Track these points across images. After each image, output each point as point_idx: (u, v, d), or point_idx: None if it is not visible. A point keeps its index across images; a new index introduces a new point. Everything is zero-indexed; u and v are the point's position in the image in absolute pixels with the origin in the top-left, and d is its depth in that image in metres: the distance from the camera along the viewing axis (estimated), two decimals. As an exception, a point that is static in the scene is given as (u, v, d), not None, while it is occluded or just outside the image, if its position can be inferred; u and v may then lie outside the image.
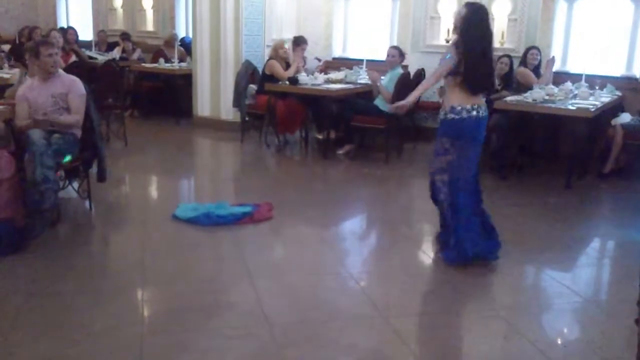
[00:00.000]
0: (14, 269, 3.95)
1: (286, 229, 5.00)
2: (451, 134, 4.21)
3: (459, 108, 4.15)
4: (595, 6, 7.80)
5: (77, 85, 4.87)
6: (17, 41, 10.31)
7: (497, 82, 7.12)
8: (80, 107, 4.85)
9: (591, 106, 6.19)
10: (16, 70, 6.40)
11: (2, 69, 7.63)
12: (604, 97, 6.77)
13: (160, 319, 3.42)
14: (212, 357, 3.01)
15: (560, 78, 7.36)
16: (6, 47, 9.47)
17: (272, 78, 7.66)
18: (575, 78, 7.25)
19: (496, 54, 7.39)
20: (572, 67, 7.89)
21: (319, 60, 8.70)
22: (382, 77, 7.34)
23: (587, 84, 6.92)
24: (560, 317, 3.66)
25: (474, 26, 4.13)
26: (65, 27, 11.00)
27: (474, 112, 4.17)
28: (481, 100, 4.26)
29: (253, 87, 7.96)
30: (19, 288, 3.70)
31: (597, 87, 6.90)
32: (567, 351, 3.26)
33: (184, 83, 8.95)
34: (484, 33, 4.18)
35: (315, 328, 3.32)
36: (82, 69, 7.51)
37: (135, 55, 9.98)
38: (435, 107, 8.22)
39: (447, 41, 8.32)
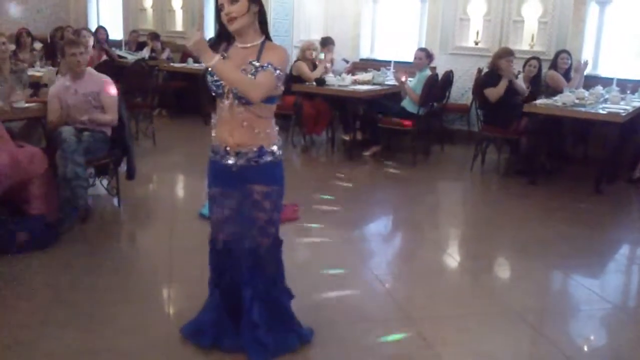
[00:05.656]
0: (45, 263, 4.03)
1: (311, 230, 5.00)
2: None
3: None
4: (627, 9, 7.68)
5: (108, 84, 4.93)
6: (50, 41, 10.47)
7: (525, 84, 7.07)
8: (113, 106, 4.91)
9: (622, 111, 6.10)
10: (49, 69, 6.50)
11: (34, 66, 7.76)
12: (636, 101, 6.66)
13: (187, 317, 3.44)
14: (239, 356, 3.02)
15: (591, 82, 7.26)
16: (38, 46, 9.63)
17: (299, 79, 7.68)
18: (606, 82, 7.16)
19: (524, 56, 7.38)
20: (603, 71, 7.79)
21: (347, 61, 8.69)
22: (410, 79, 7.32)
23: (618, 88, 6.82)
24: (588, 323, 3.62)
25: None
26: (96, 26, 11.15)
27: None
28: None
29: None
30: (48, 282, 3.78)
31: (628, 92, 6.79)
32: (594, 358, 3.22)
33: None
34: None
35: (340, 329, 3.32)
36: (111, 67, 7.60)
37: (164, 55, 10.07)
38: (463, 110, 8.20)
39: (476, 43, 8.29)
